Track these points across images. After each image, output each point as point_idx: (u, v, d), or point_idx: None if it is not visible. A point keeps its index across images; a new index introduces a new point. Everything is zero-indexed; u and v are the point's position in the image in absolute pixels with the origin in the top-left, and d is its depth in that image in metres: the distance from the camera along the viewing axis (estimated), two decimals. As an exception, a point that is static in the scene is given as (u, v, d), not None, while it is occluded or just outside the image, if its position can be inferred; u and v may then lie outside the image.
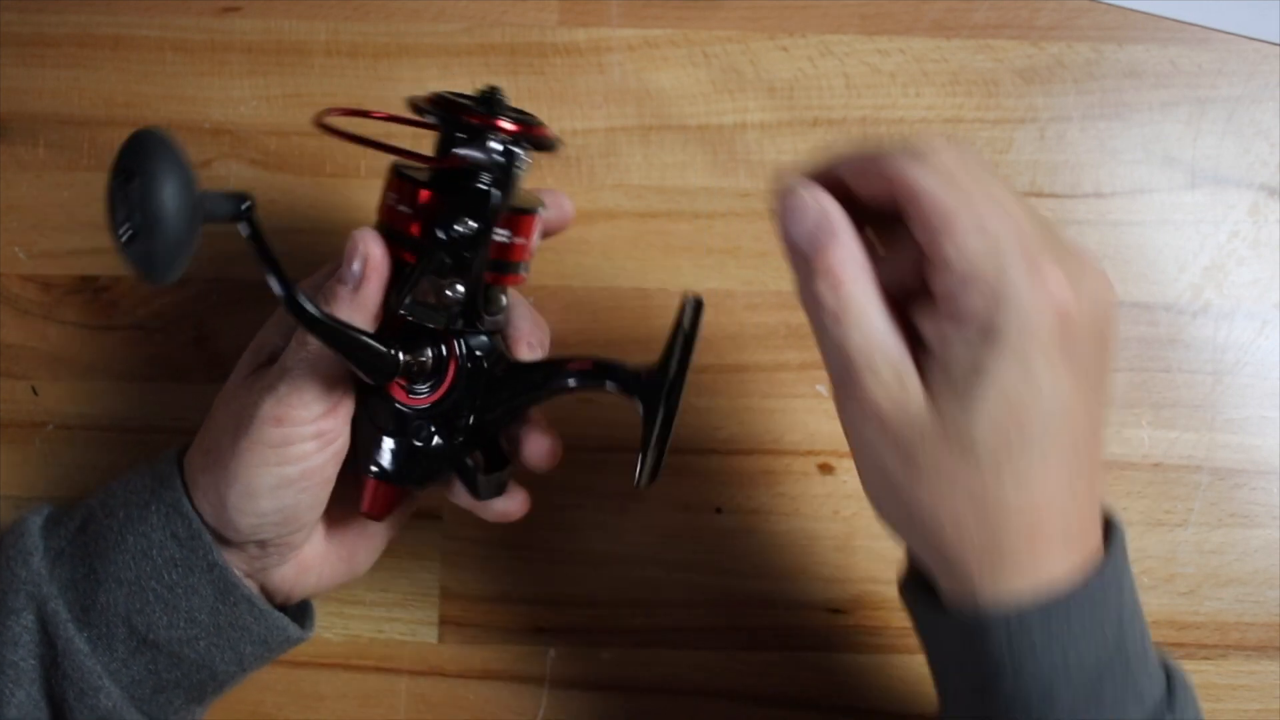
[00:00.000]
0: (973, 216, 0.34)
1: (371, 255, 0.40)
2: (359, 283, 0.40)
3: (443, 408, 0.43)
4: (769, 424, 0.54)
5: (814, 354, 0.54)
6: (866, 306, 0.35)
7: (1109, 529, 0.38)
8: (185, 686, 0.45)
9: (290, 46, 0.55)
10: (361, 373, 0.40)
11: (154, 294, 0.54)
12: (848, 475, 0.54)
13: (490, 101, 0.41)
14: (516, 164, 0.40)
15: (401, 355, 0.40)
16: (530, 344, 0.45)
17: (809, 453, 0.54)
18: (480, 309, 0.42)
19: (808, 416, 0.54)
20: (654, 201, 0.55)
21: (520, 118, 0.41)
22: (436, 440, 0.43)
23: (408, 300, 0.41)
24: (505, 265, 0.42)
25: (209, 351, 0.54)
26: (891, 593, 0.53)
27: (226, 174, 0.55)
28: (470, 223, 0.40)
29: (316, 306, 0.38)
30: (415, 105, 0.42)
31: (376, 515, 0.45)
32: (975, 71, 0.55)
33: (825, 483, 0.54)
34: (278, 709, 0.53)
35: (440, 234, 0.40)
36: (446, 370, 0.42)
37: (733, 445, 0.54)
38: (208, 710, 0.48)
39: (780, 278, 0.55)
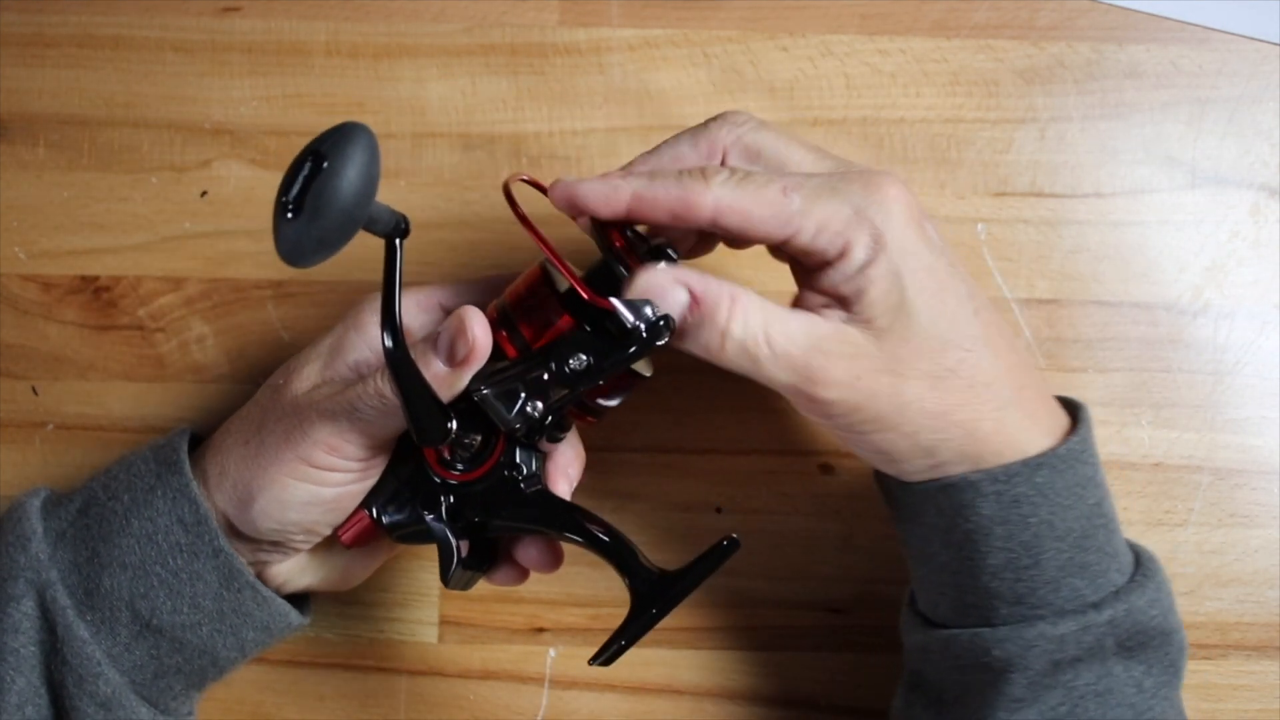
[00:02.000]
0: (791, 190, 0.39)
1: (478, 343, 0.40)
2: (455, 363, 0.40)
3: (463, 492, 0.43)
4: (769, 424, 0.54)
5: (814, 354, 0.54)
6: (774, 315, 0.39)
7: (1075, 413, 0.43)
8: (186, 672, 0.45)
9: (290, 46, 0.55)
10: (412, 428, 0.40)
11: (154, 294, 0.54)
12: (848, 475, 0.54)
13: (659, 251, 0.41)
14: (657, 340, 0.39)
15: (454, 426, 0.40)
16: (569, 477, 0.45)
17: (809, 453, 0.54)
18: (546, 432, 0.43)
19: (808, 417, 0.54)
20: (654, 201, 0.54)
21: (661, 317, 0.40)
22: (441, 516, 0.43)
23: (486, 391, 0.41)
24: (590, 407, 0.43)
25: (209, 351, 0.54)
26: (891, 592, 0.53)
27: (226, 174, 0.55)
28: (587, 361, 0.40)
29: (411, 360, 0.38)
30: (607, 240, 0.41)
31: (348, 544, 0.45)
32: (975, 71, 0.55)
33: (825, 483, 0.54)
34: (278, 709, 0.53)
35: (553, 358, 0.40)
36: (485, 462, 0.43)
37: (733, 445, 0.54)
38: (203, 696, 0.48)
39: (780, 278, 0.54)
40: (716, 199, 0.39)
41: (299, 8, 0.55)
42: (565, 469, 0.45)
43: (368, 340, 0.43)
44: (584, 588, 0.54)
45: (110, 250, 0.54)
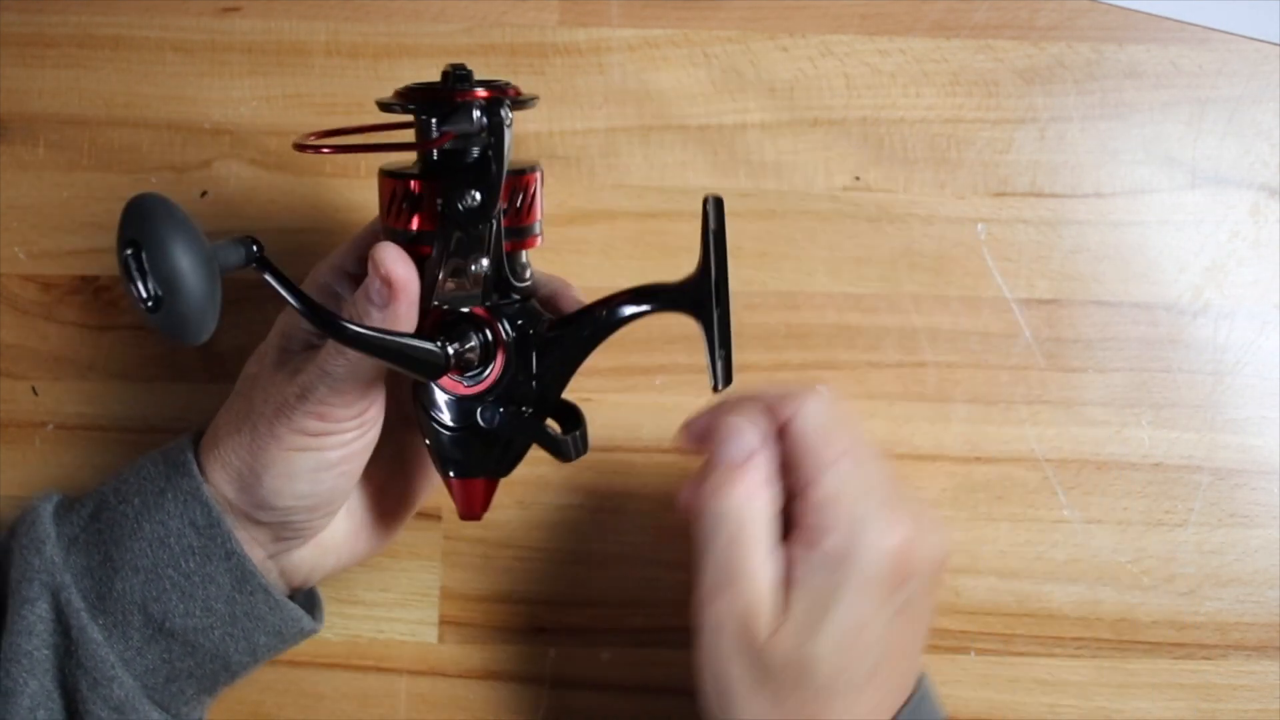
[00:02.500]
0: (844, 464, 0.40)
1: (395, 276, 0.39)
2: (388, 301, 0.39)
3: (502, 385, 0.42)
4: (769, 424, 0.54)
5: (814, 354, 0.54)
6: (763, 526, 0.40)
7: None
8: (198, 676, 0.45)
9: (290, 46, 0.55)
10: (414, 375, 0.40)
11: (154, 294, 0.54)
12: (848, 475, 0.54)
13: (458, 77, 0.41)
14: (504, 123, 0.40)
15: (449, 348, 0.40)
16: (577, 298, 0.45)
17: (809, 453, 0.54)
18: (509, 278, 0.42)
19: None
20: (654, 201, 0.55)
21: (491, 83, 0.41)
22: (506, 419, 0.42)
23: (438, 291, 0.40)
24: (520, 230, 0.42)
25: (209, 351, 0.54)
26: (891, 593, 0.53)
27: (226, 174, 0.55)
28: (475, 194, 0.39)
29: (356, 324, 0.38)
30: (386, 105, 0.41)
31: (475, 514, 0.44)
32: (975, 71, 0.55)
33: (825, 483, 0.54)
34: (278, 709, 0.53)
35: (449, 214, 0.40)
36: (496, 349, 0.42)
37: (733, 445, 0.54)
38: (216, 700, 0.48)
39: (780, 277, 0.55)
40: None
41: (299, 8, 0.55)
42: (568, 294, 0.45)
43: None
44: (584, 588, 0.54)
45: (110, 250, 0.54)
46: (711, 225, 0.41)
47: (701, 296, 0.41)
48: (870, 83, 0.55)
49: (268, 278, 0.36)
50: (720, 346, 0.41)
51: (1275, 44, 0.55)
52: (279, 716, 0.53)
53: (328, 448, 0.42)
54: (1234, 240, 0.55)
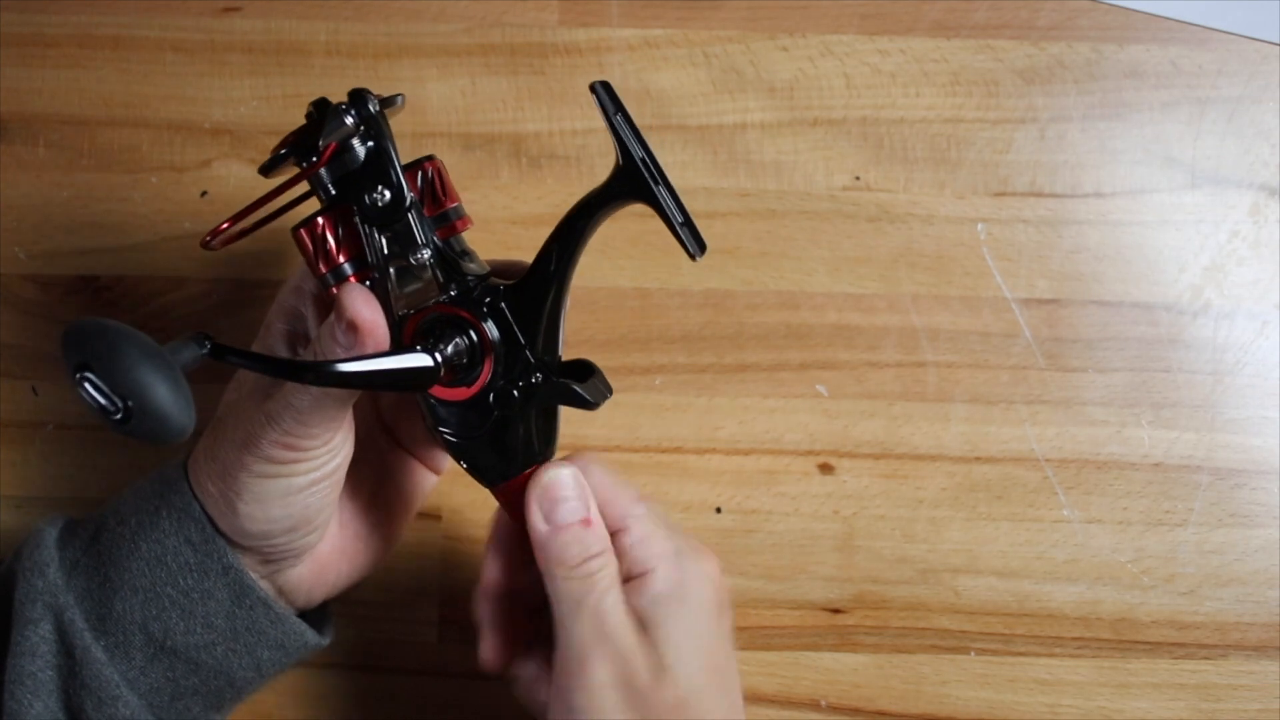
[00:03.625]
0: (641, 509, 0.43)
1: (360, 317, 0.39)
2: (354, 344, 0.40)
3: (500, 366, 0.42)
4: (769, 424, 0.54)
5: (814, 354, 0.54)
6: (613, 581, 0.41)
7: None
8: (203, 693, 0.45)
9: (290, 46, 0.55)
10: (411, 390, 0.40)
11: (154, 294, 0.54)
12: (848, 475, 0.54)
13: (319, 106, 0.42)
14: (376, 113, 0.41)
15: (436, 354, 0.40)
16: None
17: (809, 453, 0.54)
18: (456, 262, 0.42)
19: (808, 416, 0.54)
20: (654, 201, 0.55)
21: (349, 93, 0.41)
22: (522, 396, 0.42)
23: (395, 301, 0.41)
24: (444, 217, 0.42)
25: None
26: (892, 592, 0.53)
27: (226, 174, 0.55)
28: (382, 189, 0.41)
29: (338, 364, 0.38)
30: (266, 167, 0.42)
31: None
32: (975, 71, 0.55)
33: (825, 483, 0.54)
34: (278, 709, 0.53)
35: (369, 220, 0.41)
36: (479, 337, 0.42)
37: (733, 445, 0.54)
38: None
39: (780, 277, 0.55)
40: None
41: (299, 8, 0.55)
42: (517, 263, 0.44)
43: (281, 338, 0.44)
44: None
45: (110, 250, 0.54)
46: (610, 110, 0.40)
47: (637, 181, 0.41)
48: (870, 83, 0.55)
49: (231, 360, 0.36)
50: (678, 216, 0.40)
51: (1275, 44, 0.55)
52: (279, 716, 0.53)
53: (297, 474, 0.41)
54: (1234, 240, 0.55)
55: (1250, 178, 0.55)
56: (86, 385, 0.32)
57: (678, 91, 0.55)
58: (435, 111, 0.55)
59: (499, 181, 0.55)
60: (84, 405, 0.32)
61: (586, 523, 0.41)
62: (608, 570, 0.41)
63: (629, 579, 0.41)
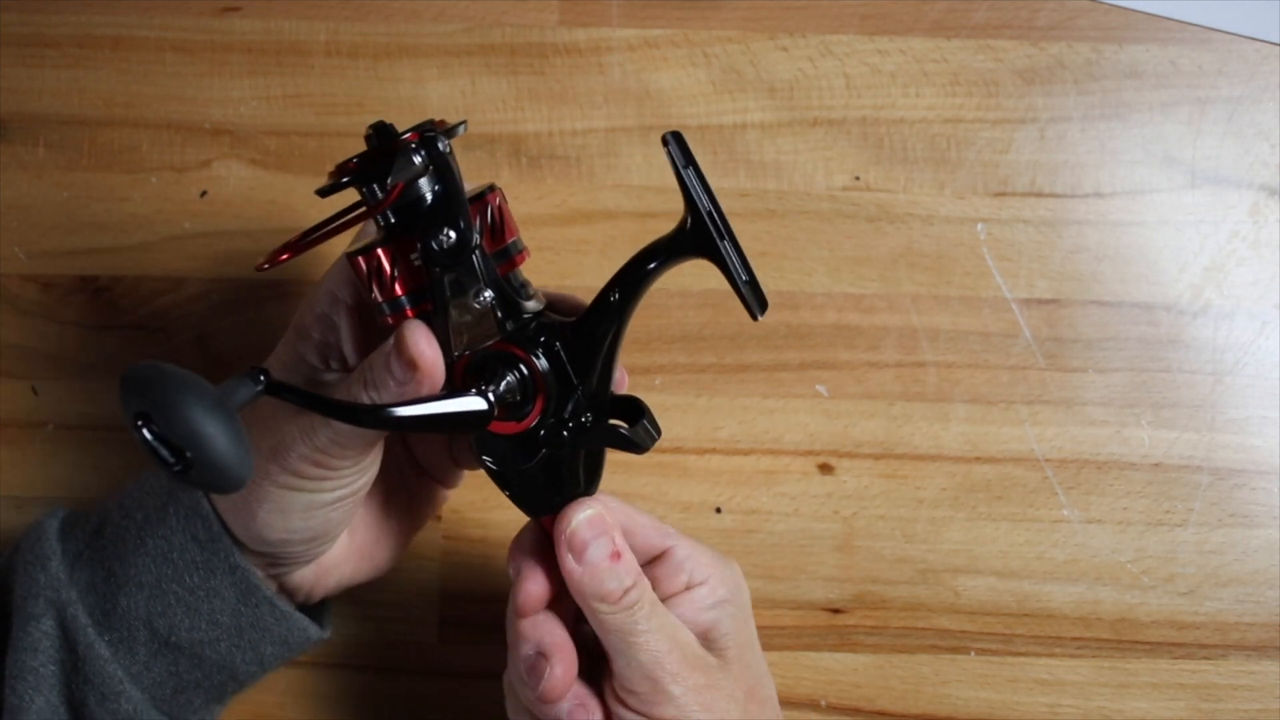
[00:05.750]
0: (671, 529, 0.45)
1: (422, 356, 0.38)
2: (409, 380, 0.39)
3: (552, 405, 0.42)
4: (769, 424, 0.54)
5: (814, 354, 0.54)
6: (665, 618, 0.42)
7: None
8: (206, 687, 0.45)
9: (290, 46, 0.55)
10: (463, 433, 0.39)
11: (154, 294, 0.54)
12: (848, 475, 0.54)
13: (382, 135, 0.40)
14: (446, 154, 0.39)
15: (489, 392, 0.39)
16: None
17: (809, 453, 0.54)
18: (514, 299, 0.41)
19: (808, 416, 0.54)
20: (654, 201, 0.55)
21: (415, 127, 0.40)
22: (571, 436, 0.42)
23: (455, 341, 0.40)
24: (505, 251, 0.42)
25: (209, 351, 0.54)
26: (891, 592, 0.53)
27: (226, 174, 0.55)
28: (448, 231, 0.39)
29: (395, 408, 0.37)
30: (326, 190, 0.41)
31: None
32: (975, 71, 0.55)
33: (825, 483, 0.54)
34: (278, 709, 0.53)
35: (434, 261, 0.39)
36: (531, 374, 0.41)
37: (733, 445, 0.54)
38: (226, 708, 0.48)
39: (780, 278, 0.55)
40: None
41: (299, 8, 0.55)
42: (571, 300, 0.44)
43: (312, 346, 0.43)
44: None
45: (110, 250, 0.54)
46: (679, 163, 0.39)
47: (702, 236, 0.40)
48: (870, 83, 0.55)
49: (287, 398, 0.36)
50: (743, 275, 0.40)
51: (1275, 44, 0.55)
52: (279, 716, 0.53)
53: (324, 490, 0.41)
54: (1234, 240, 0.55)
55: (1250, 178, 0.55)
56: (146, 434, 0.32)
57: (678, 91, 0.55)
58: (435, 112, 0.55)
59: (499, 182, 0.55)
60: (142, 454, 0.32)
61: (616, 556, 0.41)
62: (645, 595, 0.41)
63: (689, 588, 0.44)
